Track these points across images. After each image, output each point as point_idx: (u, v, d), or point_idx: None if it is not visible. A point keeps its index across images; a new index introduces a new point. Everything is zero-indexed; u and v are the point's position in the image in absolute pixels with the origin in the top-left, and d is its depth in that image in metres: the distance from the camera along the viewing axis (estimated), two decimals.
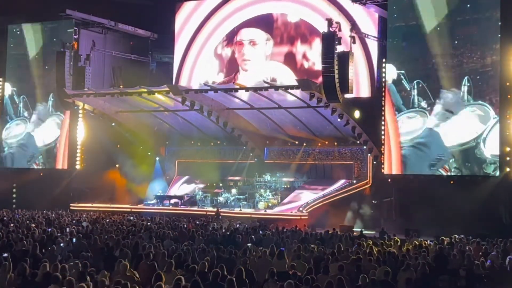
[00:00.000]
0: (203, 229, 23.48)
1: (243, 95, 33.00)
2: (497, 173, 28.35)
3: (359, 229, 26.74)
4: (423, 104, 30.02)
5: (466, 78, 29.05)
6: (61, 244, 17.25)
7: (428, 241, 21.36)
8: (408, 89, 30.33)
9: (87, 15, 38.91)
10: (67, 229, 21.58)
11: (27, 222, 24.88)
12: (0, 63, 41.84)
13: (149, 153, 40.82)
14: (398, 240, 21.29)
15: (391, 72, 30.87)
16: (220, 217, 30.72)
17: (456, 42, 29.50)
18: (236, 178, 38.06)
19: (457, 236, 22.72)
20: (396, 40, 31.35)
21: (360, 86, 34.74)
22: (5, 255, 14.24)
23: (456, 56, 29.44)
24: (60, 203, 35.45)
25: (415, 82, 30.22)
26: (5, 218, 26.77)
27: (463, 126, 29.11)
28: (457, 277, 15.31)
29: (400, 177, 31.07)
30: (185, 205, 36.11)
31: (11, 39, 42.00)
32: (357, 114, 31.57)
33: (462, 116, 29.16)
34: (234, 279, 11.38)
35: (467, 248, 18.70)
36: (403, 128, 30.43)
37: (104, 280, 11.50)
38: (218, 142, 38.64)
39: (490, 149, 28.46)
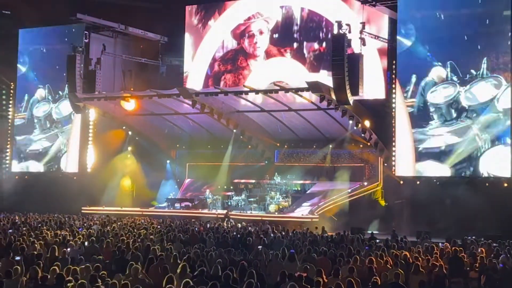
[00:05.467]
0: (214, 232, 23.52)
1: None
2: (509, 174, 28.22)
3: (370, 232, 26.64)
4: None
5: None
6: (69, 248, 17.31)
7: (440, 243, 21.28)
8: None
9: (97, 19, 39.14)
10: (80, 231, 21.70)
11: (39, 225, 25.01)
12: (11, 68, 42.11)
13: (159, 156, 40.91)
14: (409, 242, 21.25)
15: None
16: (230, 220, 30.75)
17: None
18: (247, 180, 38.06)
19: (468, 238, 22.63)
20: None
21: (371, 87, 34.53)
22: (18, 258, 14.35)
23: None
24: (71, 207, 35.57)
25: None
26: (17, 221, 26.91)
27: None
28: (468, 279, 15.27)
29: (411, 179, 30.99)
30: (196, 208, 36.15)
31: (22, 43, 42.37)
32: (367, 123, 31.29)
33: None
34: (252, 281, 11.38)
35: (479, 250, 18.64)
36: None
37: (116, 283, 11.54)
38: (229, 145, 38.64)
39: None
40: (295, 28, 32.38)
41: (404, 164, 30.71)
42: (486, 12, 28.46)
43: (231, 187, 37.98)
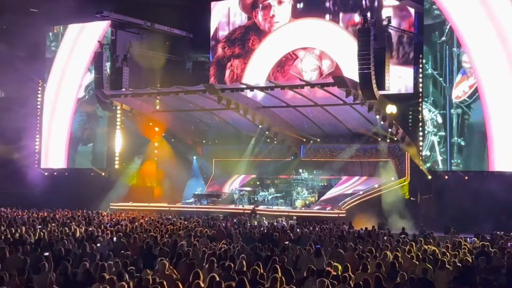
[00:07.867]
0: (241, 227, 23.57)
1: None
2: None
3: (402, 227, 26.44)
4: None
5: None
6: (98, 244, 17.45)
7: (468, 238, 21.10)
8: None
9: (123, 16, 39.41)
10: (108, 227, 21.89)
11: (68, 221, 25.27)
12: (39, 65, 42.58)
13: (186, 152, 41.06)
14: (437, 238, 21.09)
15: None
16: (257, 215, 30.78)
17: None
18: (273, 176, 38.06)
19: (498, 233, 22.40)
20: None
21: (397, 82, 34.26)
22: (46, 254, 14.51)
23: None
24: (100, 203, 35.90)
25: None
26: (46, 217, 27.21)
27: None
28: (497, 275, 15.09)
29: (439, 174, 30.75)
30: (223, 203, 36.26)
31: (49, 40, 42.79)
32: (390, 109, 30.73)
33: None
34: (277, 276, 11.38)
35: (508, 245, 18.44)
36: None
37: (144, 279, 11.63)
38: (255, 140, 38.61)
39: None
40: None
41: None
42: None
43: (258, 183, 38.02)
